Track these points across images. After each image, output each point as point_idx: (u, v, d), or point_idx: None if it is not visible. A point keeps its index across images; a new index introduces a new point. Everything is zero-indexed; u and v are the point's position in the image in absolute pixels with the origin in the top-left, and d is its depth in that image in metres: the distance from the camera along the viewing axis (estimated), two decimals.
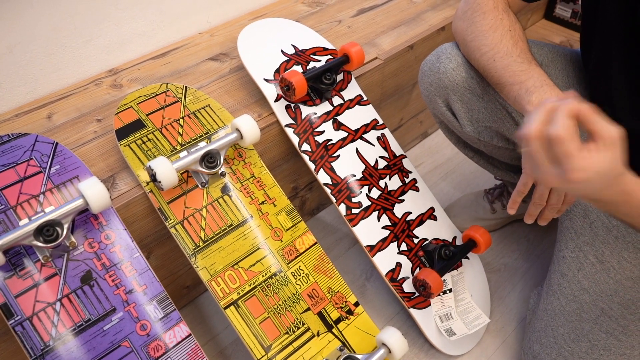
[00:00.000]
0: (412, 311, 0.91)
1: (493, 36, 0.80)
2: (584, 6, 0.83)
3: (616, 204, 0.61)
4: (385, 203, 0.95)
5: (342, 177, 0.93)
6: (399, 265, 0.92)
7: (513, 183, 1.10)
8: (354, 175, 0.94)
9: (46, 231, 0.68)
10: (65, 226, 0.70)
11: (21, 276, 0.69)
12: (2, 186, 0.73)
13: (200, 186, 0.83)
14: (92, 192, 0.69)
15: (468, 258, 0.99)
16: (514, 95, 0.76)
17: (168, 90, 0.90)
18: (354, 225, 0.92)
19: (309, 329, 0.82)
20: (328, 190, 0.92)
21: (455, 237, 0.99)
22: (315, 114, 0.95)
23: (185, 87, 0.91)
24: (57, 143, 0.78)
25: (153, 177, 0.75)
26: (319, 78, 0.94)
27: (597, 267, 0.85)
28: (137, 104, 0.86)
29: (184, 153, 0.83)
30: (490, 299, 1.03)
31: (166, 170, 0.74)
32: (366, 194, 0.94)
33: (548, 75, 0.74)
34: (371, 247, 0.91)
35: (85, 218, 0.75)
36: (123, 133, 0.83)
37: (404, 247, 0.94)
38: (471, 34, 0.84)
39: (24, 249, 0.70)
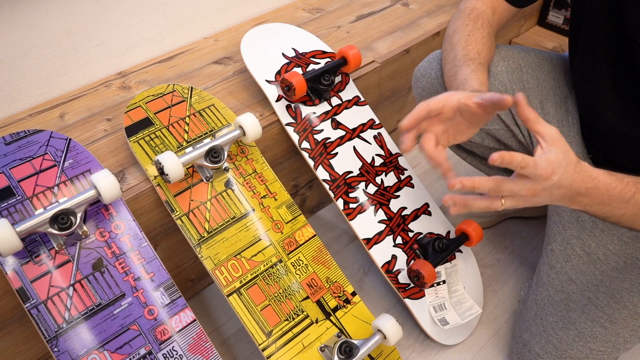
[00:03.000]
0: (407, 301, 0.95)
1: (451, 41, 0.87)
2: (572, 7, 0.87)
3: (588, 193, 0.65)
4: (381, 198, 0.99)
5: (340, 174, 0.98)
6: (394, 257, 0.96)
7: None
8: (351, 172, 0.98)
9: (61, 219, 0.72)
10: (79, 215, 0.74)
11: (37, 262, 0.74)
12: (19, 178, 0.77)
13: (204, 180, 0.87)
14: (104, 183, 0.74)
15: (461, 252, 1.03)
16: None
17: (175, 91, 0.94)
18: (351, 220, 0.96)
19: (307, 316, 0.86)
20: (327, 186, 0.96)
21: (449, 232, 1.03)
22: (314, 113, 1.00)
23: (191, 87, 0.96)
24: (70, 139, 0.83)
25: (161, 171, 0.80)
26: (318, 79, 0.98)
27: (583, 258, 0.89)
28: (146, 103, 0.91)
29: (190, 149, 0.88)
30: (484, 292, 1.06)
31: (173, 163, 0.79)
32: (363, 189, 0.98)
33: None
34: (368, 240, 0.96)
35: (96, 209, 0.79)
36: (132, 130, 0.88)
37: (399, 240, 0.98)
38: (444, 38, 0.90)
39: (40, 237, 0.75)
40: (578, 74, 0.86)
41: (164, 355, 0.76)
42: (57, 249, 0.75)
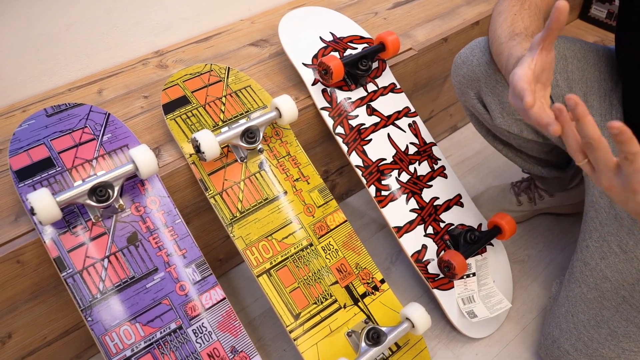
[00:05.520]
0: (436, 292, 0.94)
1: (497, 21, 0.84)
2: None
3: None
4: (414, 187, 0.98)
5: (373, 160, 0.97)
6: (424, 247, 0.95)
7: (541, 176, 1.12)
8: (385, 159, 0.98)
9: (99, 192, 0.73)
10: (116, 188, 0.75)
11: (74, 233, 0.75)
12: (60, 150, 0.79)
13: (239, 160, 0.87)
14: (142, 158, 0.74)
15: (492, 245, 1.01)
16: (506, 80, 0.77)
17: (212, 70, 0.95)
18: (383, 207, 0.95)
19: (336, 300, 0.86)
20: (359, 172, 0.95)
21: (480, 224, 1.02)
22: (350, 99, 0.99)
23: (228, 67, 0.96)
24: (109, 113, 0.84)
25: (197, 149, 0.80)
26: (355, 64, 0.97)
27: (620, 257, 0.87)
28: (183, 81, 0.92)
29: (225, 129, 0.88)
30: (513, 287, 1.05)
31: (210, 142, 0.79)
32: (396, 177, 0.97)
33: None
34: (398, 229, 0.95)
35: (133, 184, 0.80)
36: (169, 108, 0.88)
37: (430, 230, 0.97)
38: (490, 20, 0.87)
39: (78, 208, 0.76)
40: (624, 67, 0.83)
41: (194, 331, 0.77)
42: (93, 220, 0.76)
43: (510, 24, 0.81)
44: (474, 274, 0.97)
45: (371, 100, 1.01)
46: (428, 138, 1.04)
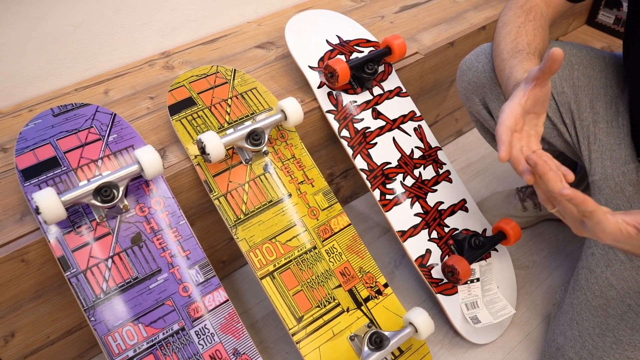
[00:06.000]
0: (439, 297, 0.94)
1: (501, 33, 0.84)
2: (630, 5, 0.84)
3: None
4: (419, 191, 0.98)
5: (378, 164, 0.97)
6: (428, 251, 0.95)
7: None
8: (389, 163, 0.97)
9: (104, 192, 0.74)
10: (121, 189, 0.75)
11: (78, 232, 0.75)
12: (65, 150, 0.79)
13: (244, 162, 0.87)
14: (148, 158, 0.74)
15: (497, 250, 1.01)
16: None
17: (218, 72, 0.95)
18: (387, 211, 0.95)
19: (339, 304, 0.86)
20: (364, 176, 0.95)
21: (485, 230, 1.01)
22: (355, 102, 0.99)
23: (234, 69, 0.96)
24: (115, 114, 0.84)
25: (202, 150, 0.80)
26: (362, 67, 0.97)
27: (626, 264, 0.86)
28: (189, 82, 0.92)
29: (231, 130, 0.88)
30: (517, 293, 1.04)
31: (215, 143, 0.79)
32: (400, 181, 0.97)
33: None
34: (402, 233, 0.95)
35: (138, 184, 0.80)
36: (175, 109, 0.89)
37: (434, 234, 0.96)
38: (495, 31, 0.88)
39: (82, 208, 0.76)
40: (632, 74, 0.83)
41: (196, 333, 0.77)
42: (98, 220, 0.76)
43: (513, 38, 0.81)
44: (478, 280, 0.96)
45: (377, 104, 1.00)
46: (433, 142, 1.03)
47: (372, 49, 1.05)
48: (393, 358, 0.86)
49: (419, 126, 1.03)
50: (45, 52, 0.98)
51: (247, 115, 0.91)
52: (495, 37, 0.87)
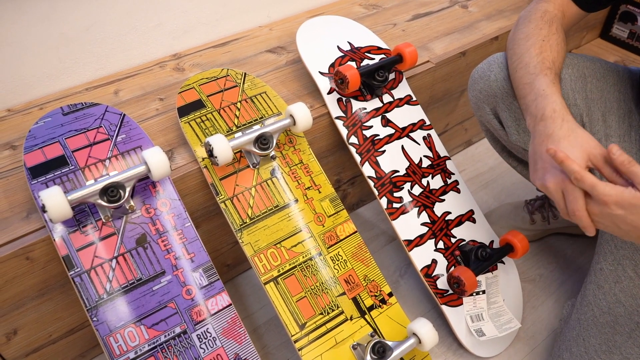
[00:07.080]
0: (444, 308, 0.93)
1: (524, 45, 0.83)
2: None
3: None
4: (426, 201, 0.97)
5: (386, 172, 0.96)
6: (434, 262, 0.94)
7: None
8: (398, 171, 0.97)
9: (111, 192, 0.73)
10: (128, 189, 0.75)
11: (83, 232, 0.75)
12: (74, 149, 0.79)
13: (251, 166, 0.87)
14: (155, 160, 0.74)
15: (504, 263, 1.00)
16: (523, 111, 0.80)
17: (228, 75, 0.95)
18: (394, 219, 0.94)
19: (342, 312, 0.85)
20: (371, 183, 0.95)
21: (492, 241, 1.00)
22: (365, 109, 0.98)
23: (245, 73, 0.96)
24: (124, 114, 0.84)
25: (210, 153, 0.80)
26: (372, 74, 0.97)
27: (635, 281, 0.85)
28: (199, 85, 0.92)
29: (239, 134, 0.88)
30: (523, 306, 1.03)
31: (223, 146, 0.79)
32: (408, 190, 0.96)
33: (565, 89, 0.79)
34: (409, 242, 0.94)
35: (144, 185, 0.80)
36: (184, 111, 0.89)
37: (441, 245, 0.96)
38: (511, 42, 0.86)
39: (88, 207, 0.76)
40: None
41: (198, 336, 0.77)
42: (104, 220, 0.76)
43: (539, 51, 0.80)
44: (483, 292, 0.95)
45: (386, 112, 1.00)
46: (442, 152, 1.03)
47: (383, 56, 1.04)
48: None
49: (428, 135, 1.02)
50: (58, 52, 0.99)
51: (256, 119, 0.91)
52: (515, 49, 0.85)
